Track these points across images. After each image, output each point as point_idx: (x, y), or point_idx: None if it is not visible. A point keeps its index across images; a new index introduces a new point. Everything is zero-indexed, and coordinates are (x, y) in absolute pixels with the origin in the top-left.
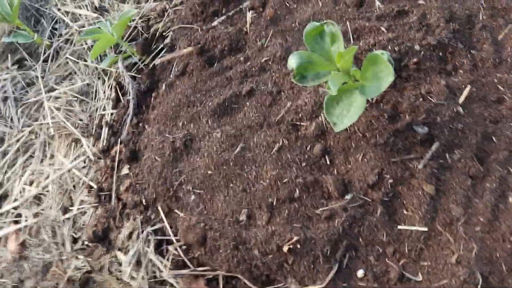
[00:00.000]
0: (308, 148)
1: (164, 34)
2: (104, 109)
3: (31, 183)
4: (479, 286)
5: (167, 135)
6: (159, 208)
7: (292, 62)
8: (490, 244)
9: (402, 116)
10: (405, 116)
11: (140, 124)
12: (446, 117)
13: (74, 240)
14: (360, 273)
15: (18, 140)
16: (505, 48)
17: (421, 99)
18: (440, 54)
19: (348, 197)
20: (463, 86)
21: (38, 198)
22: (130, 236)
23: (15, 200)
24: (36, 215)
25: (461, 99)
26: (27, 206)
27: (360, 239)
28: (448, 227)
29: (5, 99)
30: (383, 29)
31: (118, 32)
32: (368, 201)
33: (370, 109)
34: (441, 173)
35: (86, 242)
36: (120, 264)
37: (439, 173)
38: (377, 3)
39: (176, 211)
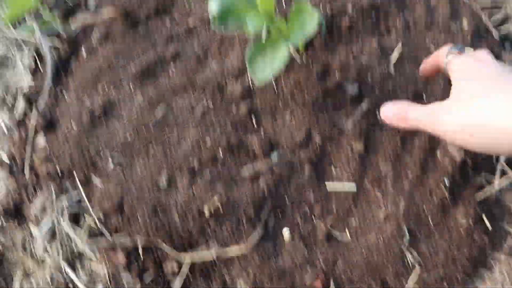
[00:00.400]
0: (233, 109)
1: None
2: (22, 81)
3: None
4: (405, 240)
5: (86, 101)
6: (76, 177)
7: (213, 6)
8: (418, 199)
9: (332, 75)
10: (335, 75)
11: (59, 93)
12: (377, 76)
13: None
14: (286, 234)
15: None
16: (436, 10)
17: (352, 58)
18: (373, 15)
19: (274, 156)
20: (395, 47)
21: None
22: (43, 208)
23: None
24: None
25: (393, 59)
26: None
27: (287, 200)
28: (376, 183)
29: None
30: None
31: None
32: (295, 160)
33: (299, 68)
34: (371, 131)
35: None
36: (34, 240)
37: (368, 131)
38: None
39: (93, 179)
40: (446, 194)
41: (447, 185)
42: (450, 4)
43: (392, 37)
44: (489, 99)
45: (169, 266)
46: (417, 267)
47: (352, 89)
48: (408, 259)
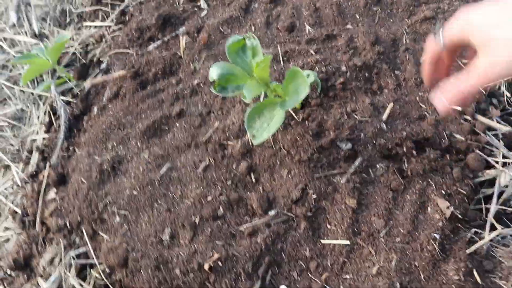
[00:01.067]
0: (234, 167)
1: (101, 59)
2: (36, 134)
3: None
4: None
5: (95, 157)
6: (84, 231)
7: (214, 72)
8: (410, 254)
9: (327, 133)
10: (329, 133)
11: (71, 148)
12: (370, 133)
13: None
14: None
15: None
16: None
17: (346, 116)
18: (366, 74)
19: (272, 213)
20: (387, 104)
21: None
22: (52, 261)
23: None
24: None
25: (385, 116)
26: None
27: (283, 255)
28: (369, 239)
29: None
30: (312, 51)
31: (53, 57)
32: (292, 216)
33: (295, 126)
34: (364, 187)
35: (7, 271)
36: None
37: (361, 187)
38: (307, 28)
39: (100, 233)
40: (437, 249)
41: (438, 239)
42: None
43: (384, 94)
44: None
45: None
46: None
47: (345, 146)
48: None
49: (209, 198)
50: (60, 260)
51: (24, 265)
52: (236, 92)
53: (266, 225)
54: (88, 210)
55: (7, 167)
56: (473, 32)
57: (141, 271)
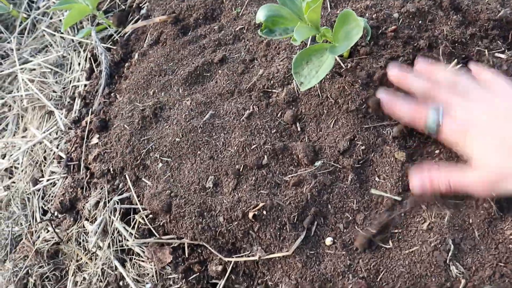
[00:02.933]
0: (279, 115)
1: (140, 5)
2: (78, 81)
3: (3, 156)
4: (450, 252)
5: (137, 103)
6: (127, 176)
7: (261, 14)
8: (464, 211)
9: (377, 83)
10: (379, 83)
11: (112, 94)
12: None
13: (44, 212)
14: (328, 240)
15: None
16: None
17: None
18: (420, 22)
19: (318, 163)
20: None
21: (9, 171)
22: (97, 205)
23: None
24: (7, 187)
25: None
26: None
27: (330, 207)
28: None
29: None
30: None
31: (93, 3)
32: (339, 167)
33: (344, 75)
34: (414, 140)
35: (55, 214)
36: (87, 234)
37: (412, 140)
38: None
39: (143, 179)
40: (494, 207)
41: (495, 197)
42: None
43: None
44: None
45: (213, 267)
46: (462, 280)
47: None
48: (452, 271)
49: (253, 146)
50: (105, 204)
51: (71, 207)
52: (283, 35)
53: (312, 175)
54: (130, 156)
55: (50, 113)
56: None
57: (185, 217)
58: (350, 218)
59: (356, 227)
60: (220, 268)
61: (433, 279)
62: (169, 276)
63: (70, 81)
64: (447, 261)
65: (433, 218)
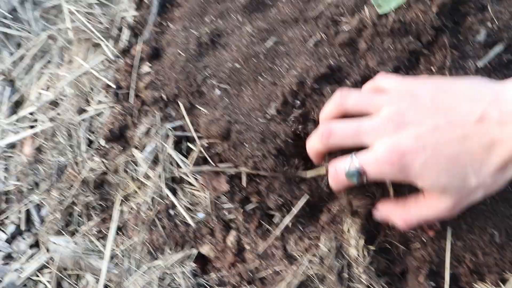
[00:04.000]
0: (347, 43)
1: None
2: (126, 12)
3: (48, 88)
4: None
5: (192, 31)
6: (180, 104)
7: None
8: None
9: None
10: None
11: (164, 23)
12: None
13: (90, 142)
14: None
15: (35, 45)
16: None
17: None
18: None
19: None
20: None
21: (55, 103)
22: (147, 133)
23: (32, 105)
24: (52, 119)
25: None
26: (44, 110)
27: None
28: None
29: (22, 2)
30: None
31: None
32: None
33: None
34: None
35: (102, 144)
36: (136, 164)
37: (498, 71)
38: None
39: (198, 106)
40: None
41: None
42: None
43: None
44: None
45: (273, 199)
46: None
47: (482, 34)
48: None
49: (321, 71)
50: (156, 131)
51: (120, 136)
52: None
53: None
54: (185, 83)
55: (97, 45)
56: None
57: (244, 144)
58: None
59: None
60: (279, 199)
61: None
62: (224, 206)
63: (118, 12)
64: None
65: None
